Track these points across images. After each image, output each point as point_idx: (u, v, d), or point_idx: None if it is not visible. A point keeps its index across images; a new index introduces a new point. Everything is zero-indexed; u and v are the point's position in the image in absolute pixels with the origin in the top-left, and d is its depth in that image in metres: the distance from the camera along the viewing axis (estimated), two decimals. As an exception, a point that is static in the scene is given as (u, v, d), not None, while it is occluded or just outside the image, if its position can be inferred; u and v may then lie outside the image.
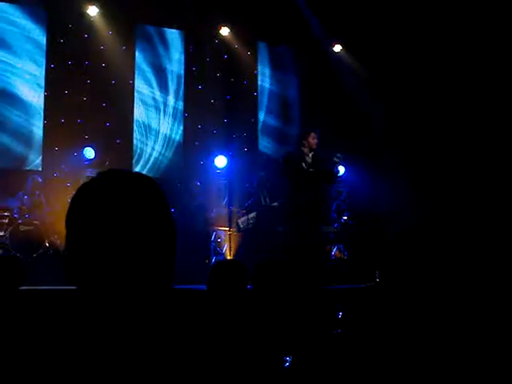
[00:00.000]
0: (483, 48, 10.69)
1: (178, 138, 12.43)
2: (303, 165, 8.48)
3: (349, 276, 9.20)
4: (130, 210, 1.31)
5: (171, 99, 12.46)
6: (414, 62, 11.68)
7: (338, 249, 11.17)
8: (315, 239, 8.62)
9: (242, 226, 10.41)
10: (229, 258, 10.30)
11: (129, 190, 1.35)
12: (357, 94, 12.52)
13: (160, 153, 12.24)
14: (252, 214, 10.20)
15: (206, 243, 10.67)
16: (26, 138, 11.09)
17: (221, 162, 11.25)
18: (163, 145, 12.29)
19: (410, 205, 11.25)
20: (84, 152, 10.69)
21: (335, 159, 8.61)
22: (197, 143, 12.47)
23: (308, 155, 8.56)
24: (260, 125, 13.11)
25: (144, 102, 12.22)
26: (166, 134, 12.34)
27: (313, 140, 8.56)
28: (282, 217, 9.16)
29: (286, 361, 2.69)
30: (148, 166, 12.09)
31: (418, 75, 11.66)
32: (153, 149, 12.18)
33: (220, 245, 10.77)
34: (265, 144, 12.99)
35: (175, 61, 12.54)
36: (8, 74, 11.08)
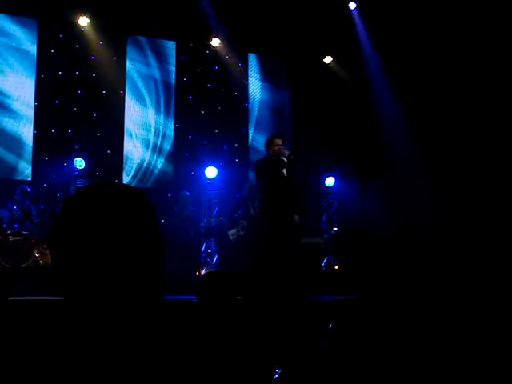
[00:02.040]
0: (482, 54, 10.76)
1: (168, 148, 12.43)
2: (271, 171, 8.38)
3: (339, 287, 9.19)
4: (117, 223, 1.31)
5: (162, 109, 12.46)
6: (403, 72, 11.76)
7: (328, 260, 11.19)
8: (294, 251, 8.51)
9: (231, 238, 10.40)
10: (219, 268, 10.28)
11: (116, 203, 1.35)
12: (348, 105, 12.57)
13: (150, 163, 12.22)
14: (242, 225, 10.20)
15: (196, 254, 10.66)
16: (16, 148, 11.06)
17: (211, 172, 11.25)
18: (153, 155, 12.28)
19: (399, 216, 11.29)
20: (74, 162, 10.66)
21: (283, 158, 8.46)
22: (187, 154, 12.47)
23: (283, 164, 8.41)
24: (250, 136, 13.13)
25: (135, 113, 12.21)
26: (156, 145, 12.33)
27: (275, 146, 8.43)
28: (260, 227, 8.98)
29: (276, 372, 2.70)
30: (138, 177, 12.08)
31: (408, 87, 11.72)
32: (143, 159, 12.17)
33: (210, 255, 10.76)
34: (255, 155, 13.02)
35: (166, 71, 12.55)
36: (-2, 84, 11.07)
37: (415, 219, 10.88)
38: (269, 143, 8.63)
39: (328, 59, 13.13)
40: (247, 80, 13.19)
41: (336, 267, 10.87)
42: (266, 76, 13.37)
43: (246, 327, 3.32)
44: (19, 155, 11.09)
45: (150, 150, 12.27)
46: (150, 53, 12.41)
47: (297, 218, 8.50)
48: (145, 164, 12.18)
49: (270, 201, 8.40)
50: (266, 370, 2.71)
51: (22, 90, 11.25)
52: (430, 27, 11.12)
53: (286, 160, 8.38)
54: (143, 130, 12.25)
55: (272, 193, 8.37)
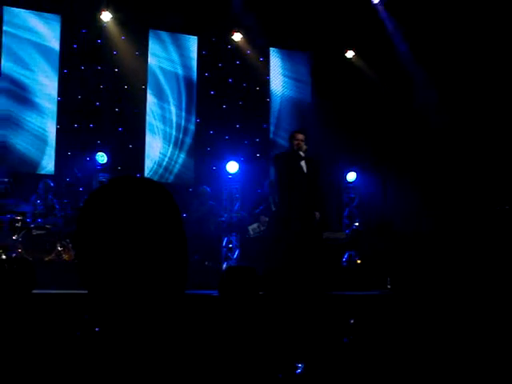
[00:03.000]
0: (492, 54, 10.67)
1: (189, 143, 12.45)
2: (292, 165, 8.32)
3: (360, 283, 9.16)
4: (139, 216, 1.31)
5: (183, 104, 12.48)
6: (425, 66, 11.67)
7: (350, 255, 11.15)
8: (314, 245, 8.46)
9: (252, 233, 10.40)
10: (240, 263, 10.28)
11: (139, 196, 1.35)
12: (371, 100, 12.50)
13: (172, 158, 12.26)
14: (262, 221, 10.19)
15: (217, 248, 10.68)
16: (39, 143, 11.15)
17: (232, 167, 11.24)
18: (175, 150, 12.31)
19: (422, 211, 11.21)
20: (96, 157, 10.72)
21: (300, 153, 8.35)
22: (209, 149, 12.49)
23: (301, 158, 8.36)
24: (272, 131, 13.10)
25: (157, 107, 12.25)
26: (177, 140, 12.36)
27: (295, 141, 8.37)
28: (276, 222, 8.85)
29: (299, 367, 2.69)
30: (160, 171, 12.12)
31: (431, 81, 11.63)
32: (165, 154, 12.20)
33: (231, 250, 10.77)
34: (277, 150, 12.99)
35: (188, 66, 12.57)
36: (22, 79, 11.15)
37: (439, 214, 10.80)
38: (291, 138, 8.57)
39: (350, 53, 13.06)
40: (269, 75, 13.16)
41: (358, 261, 10.83)
42: (288, 71, 13.32)
43: (268, 322, 3.32)
44: (42, 150, 11.18)
45: (171, 144, 12.30)
46: (171, 48, 12.43)
47: (317, 214, 8.43)
48: (166, 159, 12.21)
49: (287, 195, 8.31)
50: (288, 365, 2.71)
51: (46, 85, 11.33)
52: (457, 16, 11.00)
53: (302, 154, 8.31)
54: (165, 125, 12.28)
55: (289, 186, 8.28)
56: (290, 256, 8.12)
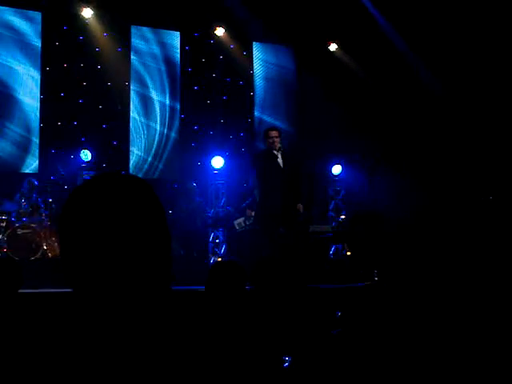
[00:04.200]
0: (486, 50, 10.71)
1: (174, 138, 12.43)
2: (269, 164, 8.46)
3: (347, 275, 9.20)
4: (123, 213, 1.31)
5: (167, 100, 12.45)
6: (409, 59, 11.71)
7: (336, 248, 11.19)
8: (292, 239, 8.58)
9: (238, 228, 10.42)
10: (227, 258, 10.29)
11: (122, 193, 1.34)
12: (353, 92, 12.52)
13: (157, 154, 12.23)
14: (248, 215, 10.19)
15: (204, 244, 10.68)
16: (22, 141, 11.07)
17: (218, 162, 11.24)
18: (160, 146, 12.28)
19: (408, 203, 11.26)
20: (81, 154, 10.67)
21: (274, 151, 8.49)
22: (193, 144, 12.48)
23: (276, 155, 8.50)
24: (256, 125, 13.10)
25: (140, 104, 12.20)
26: (162, 135, 12.32)
27: (269, 138, 8.52)
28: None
29: (286, 361, 2.69)
30: (145, 167, 12.08)
31: (414, 74, 11.67)
32: (149, 150, 12.17)
33: (218, 246, 10.77)
34: (262, 145, 12.99)
35: (171, 62, 12.53)
36: (4, 77, 11.06)
37: (425, 205, 10.85)
38: (265, 135, 8.75)
39: (333, 46, 13.07)
40: (252, 69, 13.15)
41: (348, 253, 10.87)
42: (272, 64, 13.31)
43: (255, 316, 3.32)
44: (26, 148, 11.10)
45: (155, 140, 12.27)
46: (154, 43, 12.38)
47: (300, 206, 8.55)
48: (151, 155, 12.18)
49: (266, 191, 8.46)
50: (275, 359, 2.71)
51: (28, 83, 11.24)
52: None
53: (276, 153, 8.45)
54: (149, 121, 12.24)
55: (268, 183, 8.44)
56: (275, 250, 8.21)
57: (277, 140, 8.50)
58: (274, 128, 8.97)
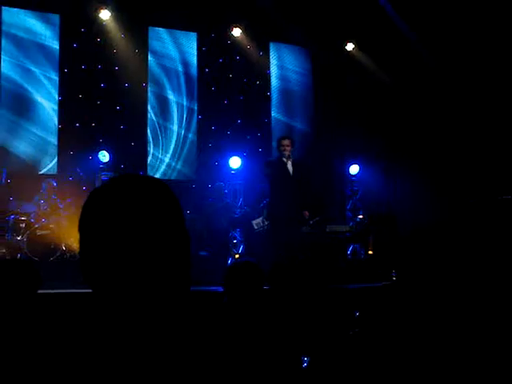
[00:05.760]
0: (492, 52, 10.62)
1: (191, 139, 12.46)
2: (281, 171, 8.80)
3: (365, 275, 9.16)
4: (141, 214, 1.31)
5: (185, 101, 12.48)
6: (430, 61, 11.64)
7: (354, 248, 11.14)
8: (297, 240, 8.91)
9: (256, 228, 10.41)
10: (245, 258, 10.28)
11: (140, 194, 1.34)
12: (371, 93, 12.48)
13: (174, 155, 12.26)
14: (266, 215, 10.19)
15: (223, 244, 10.68)
16: (40, 143, 11.14)
17: (235, 162, 11.24)
18: (177, 147, 12.31)
19: (426, 204, 11.20)
20: (99, 155, 10.73)
21: (283, 159, 8.78)
22: (211, 144, 12.50)
23: (287, 163, 8.82)
24: (273, 125, 13.10)
25: (158, 105, 12.24)
26: (180, 136, 12.36)
27: (281, 146, 8.86)
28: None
29: (304, 361, 2.69)
30: (162, 168, 12.12)
31: (435, 75, 11.60)
32: (167, 151, 12.21)
33: (236, 246, 10.77)
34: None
35: (188, 63, 12.56)
36: (22, 79, 11.15)
37: (443, 205, 10.79)
38: (277, 144, 9.12)
39: (350, 46, 13.04)
40: (269, 69, 13.15)
41: (370, 252, 10.83)
42: (289, 64, 13.31)
43: (273, 317, 3.31)
44: (44, 150, 11.17)
45: (173, 141, 12.30)
46: (171, 45, 12.42)
47: (306, 213, 9.01)
48: (169, 156, 12.22)
49: (276, 197, 8.87)
50: (294, 360, 2.71)
51: (46, 85, 11.32)
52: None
53: (285, 160, 8.80)
54: (166, 122, 12.28)
55: (278, 189, 8.83)
56: (291, 250, 8.38)
57: (288, 148, 8.83)
58: (286, 137, 9.28)
